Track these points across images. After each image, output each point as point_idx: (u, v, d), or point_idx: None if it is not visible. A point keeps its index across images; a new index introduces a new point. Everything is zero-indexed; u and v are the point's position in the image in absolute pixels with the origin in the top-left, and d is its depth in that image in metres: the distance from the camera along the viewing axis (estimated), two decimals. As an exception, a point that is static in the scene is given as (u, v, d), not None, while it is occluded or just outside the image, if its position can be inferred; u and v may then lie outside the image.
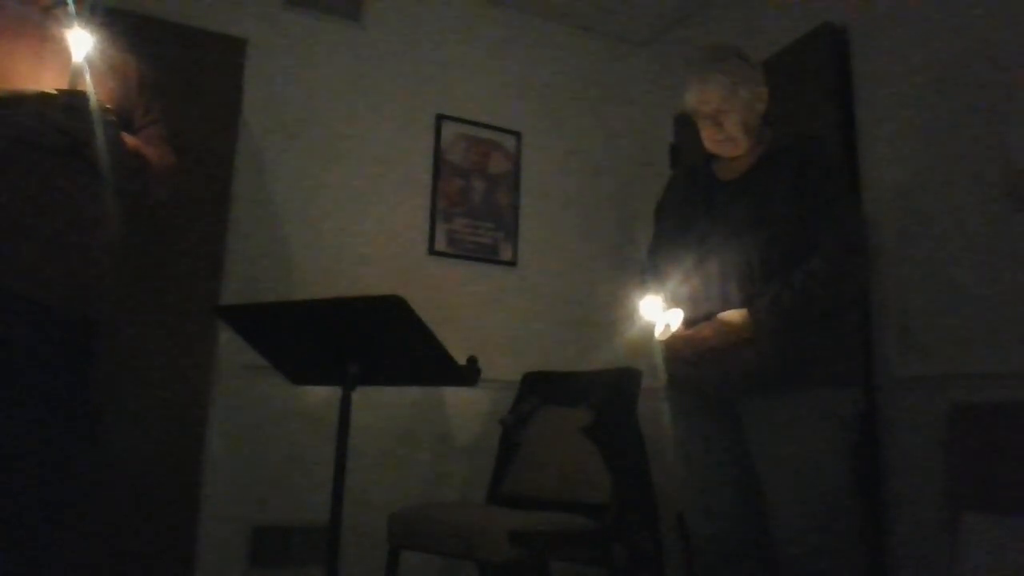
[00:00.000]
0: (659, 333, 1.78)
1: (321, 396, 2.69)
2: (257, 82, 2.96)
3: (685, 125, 3.25)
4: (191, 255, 2.74)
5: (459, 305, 3.18)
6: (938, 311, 2.29)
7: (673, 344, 1.80)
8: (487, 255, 3.32)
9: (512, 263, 3.37)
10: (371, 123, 3.17)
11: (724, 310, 1.75)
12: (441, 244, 3.23)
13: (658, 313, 1.78)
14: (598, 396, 2.70)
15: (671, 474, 2.79)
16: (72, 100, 1.58)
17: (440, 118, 3.31)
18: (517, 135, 3.46)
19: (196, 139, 2.80)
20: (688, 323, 1.78)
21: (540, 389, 2.95)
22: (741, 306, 1.73)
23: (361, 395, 1.67)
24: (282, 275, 2.90)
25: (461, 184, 3.32)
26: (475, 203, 3.34)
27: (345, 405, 1.64)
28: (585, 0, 3.51)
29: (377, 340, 1.62)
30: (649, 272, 1.98)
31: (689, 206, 1.94)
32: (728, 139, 1.86)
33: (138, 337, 2.59)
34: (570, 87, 3.65)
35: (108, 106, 1.65)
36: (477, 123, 3.38)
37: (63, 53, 1.63)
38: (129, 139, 1.74)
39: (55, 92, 1.58)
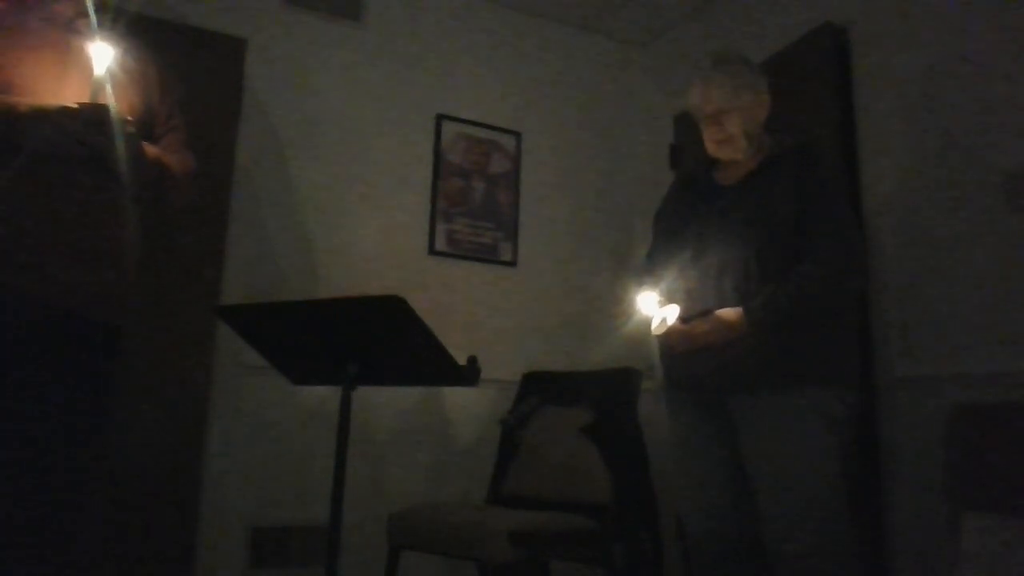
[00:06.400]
0: (655, 328, 1.79)
1: (321, 396, 2.70)
2: (257, 82, 2.96)
3: (685, 125, 3.25)
4: (191, 255, 2.74)
5: (459, 305, 3.18)
6: (938, 311, 2.29)
7: (668, 339, 1.81)
8: (487, 255, 3.32)
9: (512, 263, 3.37)
10: (371, 123, 3.17)
11: (720, 307, 1.76)
12: (441, 244, 3.23)
13: (654, 308, 1.79)
14: (598, 396, 2.70)
15: (671, 474, 2.79)
16: (93, 114, 1.61)
17: (440, 118, 3.31)
18: (517, 135, 3.46)
19: (196, 139, 2.79)
20: (684, 319, 1.79)
21: (540, 389, 2.95)
22: (737, 304, 1.74)
23: (361, 395, 1.67)
24: (282, 275, 2.90)
25: (461, 184, 3.32)
26: (475, 203, 3.34)
27: (345, 405, 1.64)
28: (585, 0, 3.51)
29: (377, 340, 1.62)
30: (646, 271, 1.99)
31: (688, 208, 1.96)
32: (728, 140, 1.88)
33: (138, 337, 2.59)
34: (570, 87, 3.65)
35: (128, 118, 1.68)
36: (477, 123, 3.38)
37: (85, 66, 1.66)
38: (150, 149, 1.77)
39: (77, 106, 1.61)
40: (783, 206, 1.77)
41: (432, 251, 3.20)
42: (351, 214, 3.07)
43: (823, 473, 1.69)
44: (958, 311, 2.23)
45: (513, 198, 3.42)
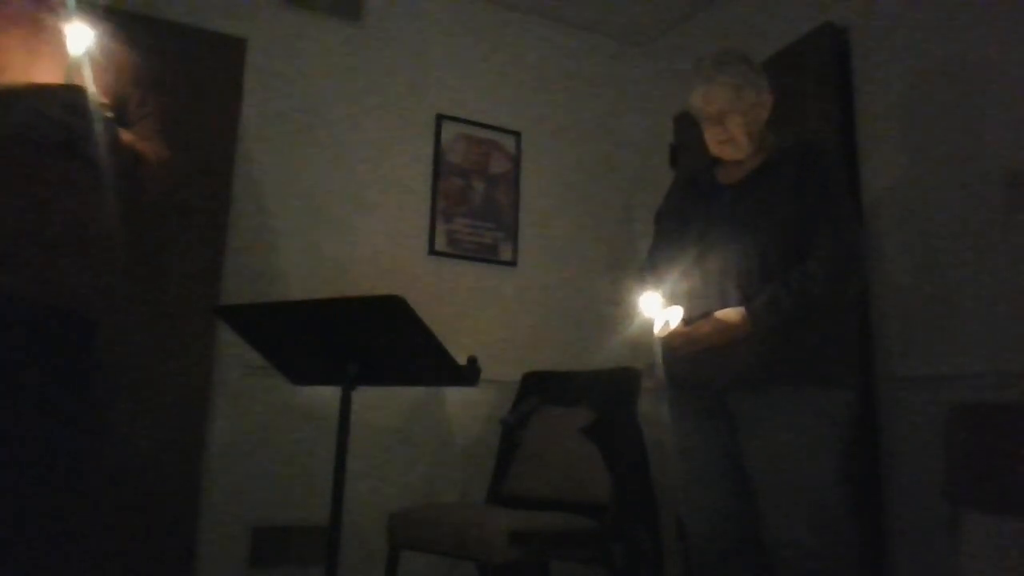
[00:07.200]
0: (658, 330, 1.78)
1: (321, 396, 2.69)
2: (257, 82, 2.96)
3: (685, 125, 3.25)
4: (191, 255, 2.74)
5: (459, 305, 3.18)
6: (938, 311, 2.29)
7: (671, 341, 1.80)
8: (487, 255, 3.32)
9: (512, 263, 3.37)
10: (371, 123, 3.17)
11: (722, 308, 1.75)
12: (441, 244, 3.23)
13: (657, 310, 1.78)
14: (598, 396, 2.70)
15: (671, 474, 2.80)
16: (70, 96, 1.56)
17: (440, 118, 3.31)
18: (517, 135, 3.46)
19: (196, 139, 2.80)
20: (686, 321, 1.79)
21: (540, 389, 2.95)
22: (739, 303, 1.74)
23: (361, 395, 1.67)
24: (282, 275, 2.90)
25: (461, 184, 3.32)
26: (475, 203, 3.34)
27: (345, 405, 1.64)
28: (585, 0, 3.51)
29: (377, 340, 1.62)
30: (648, 271, 1.99)
31: (690, 208, 1.96)
32: (730, 140, 1.88)
33: (138, 337, 2.59)
34: (570, 87, 3.65)
35: (105, 101, 1.63)
36: (477, 123, 3.38)
37: (58, 45, 1.60)
38: (125, 135, 1.72)
39: (52, 87, 1.55)
40: (785, 205, 1.77)
41: (432, 251, 3.20)
42: (351, 214, 3.07)
43: (824, 473, 1.68)
44: (958, 311, 2.23)
45: (513, 198, 3.42)
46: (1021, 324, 2.07)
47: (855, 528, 1.72)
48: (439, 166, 3.28)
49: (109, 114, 1.63)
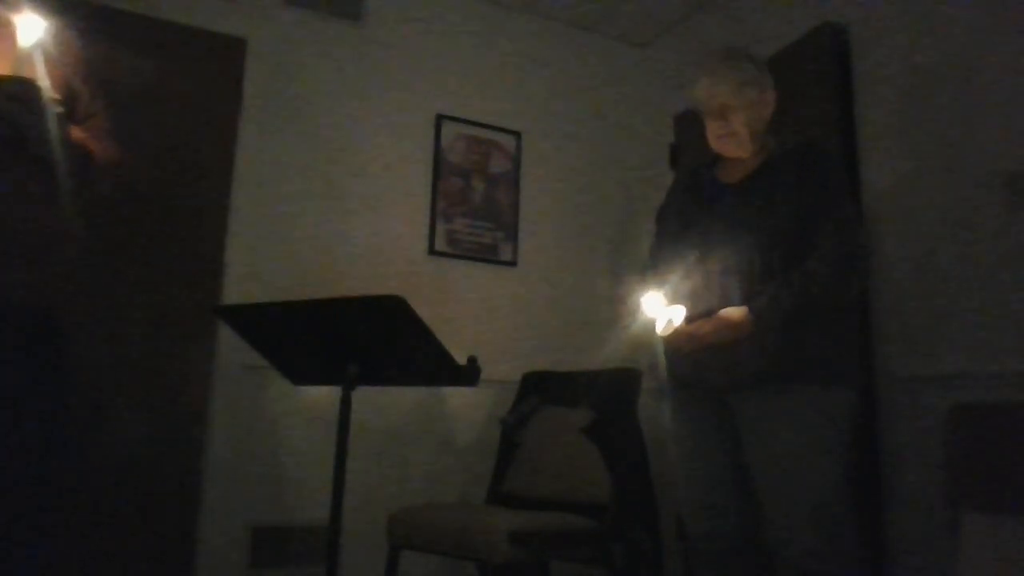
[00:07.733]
0: (660, 329, 1.79)
1: (321, 396, 2.69)
2: (257, 82, 2.96)
3: (685, 125, 3.25)
4: (191, 255, 2.74)
5: (459, 305, 3.18)
6: (938, 311, 2.29)
7: (673, 340, 1.81)
8: (487, 255, 3.32)
9: (512, 263, 3.37)
10: (371, 123, 3.17)
11: (724, 307, 1.75)
12: (441, 244, 3.23)
13: (660, 309, 1.79)
14: (598, 396, 2.70)
15: (671, 474, 2.79)
16: (16, 87, 1.51)
17: (440, 118, 3.31)
18: (517, 135, 3.46)
19: (196, 139, 2.80)
20: (688, 320, 1.79)
21: (540, 389, 2.95)
22: (741, 304, 1.74)
23: (361, 395, 1.67)
24: (282, 275, 2.90)
25: (461, 184, 3.32)
26: (475, 203, 3.34)
27: (345, 405, 1.64)
28: (585, 0, 3.51)
29: (377, 340, 1.62)
30: (650, 270, 1.99)
31: (691, 206, 1.96)
32: (732, 135, 1.87)
33: (138, 337, 2.60)
34: (570, 87, 3.65)
35: (56, 96, 1.57)
36: (477, 123, 3.38)
37: (6, 36, 1.56)
38: (76, 132, 1.67)
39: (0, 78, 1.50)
40: (786, 205, 1.77)
41: (432, 251, 3.20)
42: (351, 214, 3.07)
43: (825, 473, 1.69)
44: (958, 311, 2.23)
45: (513, 198, 3.42)
46: (1021, 324, 2.07)
47: (855, 528, 1.72)
48: (439, 166, 3.28)
49: (60, 110, 1.58)
